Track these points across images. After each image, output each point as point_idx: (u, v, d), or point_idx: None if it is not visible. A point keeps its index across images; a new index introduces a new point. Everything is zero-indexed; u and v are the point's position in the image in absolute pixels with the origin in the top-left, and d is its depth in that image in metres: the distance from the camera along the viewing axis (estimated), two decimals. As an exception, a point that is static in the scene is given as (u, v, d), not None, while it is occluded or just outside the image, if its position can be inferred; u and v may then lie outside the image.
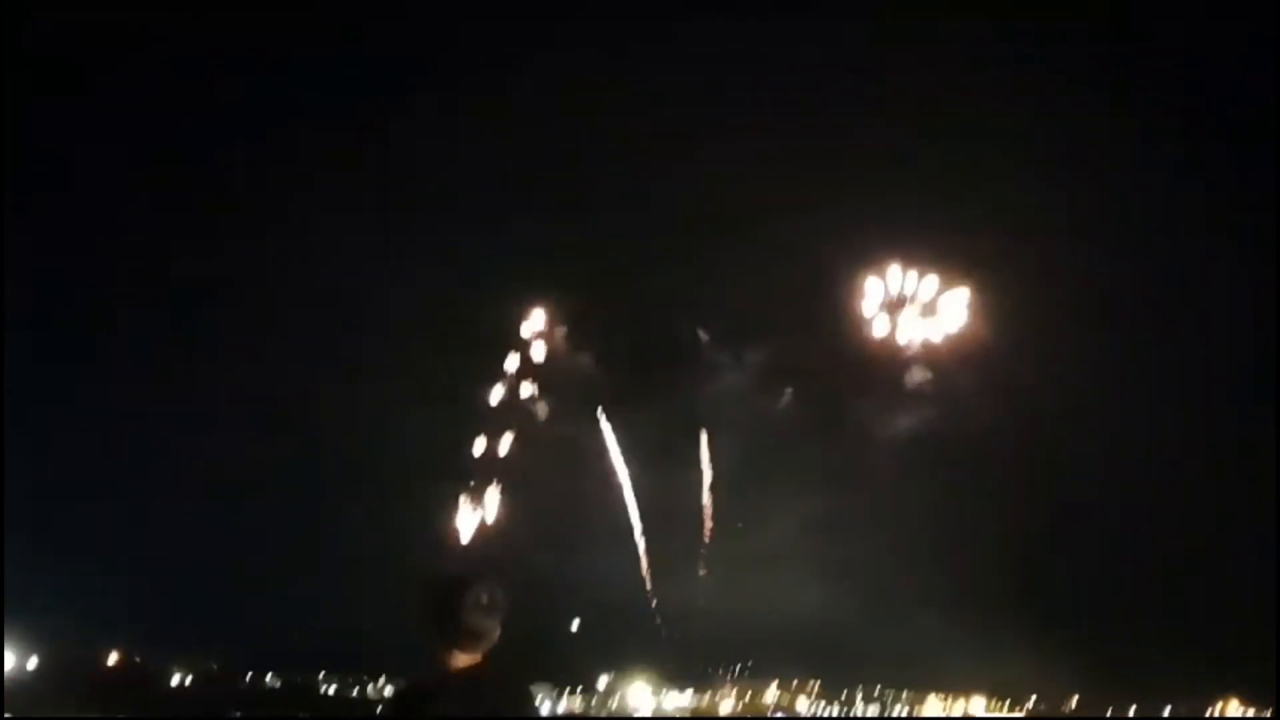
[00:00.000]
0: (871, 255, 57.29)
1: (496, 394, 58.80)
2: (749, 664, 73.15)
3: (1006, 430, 63.61)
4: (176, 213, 66.08)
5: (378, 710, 76.74)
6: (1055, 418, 65.32)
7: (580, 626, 56.11)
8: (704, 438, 59.87)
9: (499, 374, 59.19)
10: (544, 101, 62.58)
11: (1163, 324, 61.98)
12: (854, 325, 59.45)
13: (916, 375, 61.02)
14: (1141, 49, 58.32)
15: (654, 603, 55.33)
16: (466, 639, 2.84)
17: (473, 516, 58.45)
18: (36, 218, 61.14)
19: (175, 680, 70.94)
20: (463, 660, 2.95)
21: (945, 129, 60.85)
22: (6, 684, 54.21)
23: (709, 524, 59.35)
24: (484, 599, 2.84)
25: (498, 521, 57.60)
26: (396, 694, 3.21)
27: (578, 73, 58.88)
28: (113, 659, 65.84)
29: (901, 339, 58.00)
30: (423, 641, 3.01)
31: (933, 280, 57.28)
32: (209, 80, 60.26)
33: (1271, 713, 65.93)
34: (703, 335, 60.46)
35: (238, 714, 66.30)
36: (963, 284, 57.36)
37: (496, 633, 2.98)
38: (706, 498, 58.90)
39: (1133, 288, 62.21)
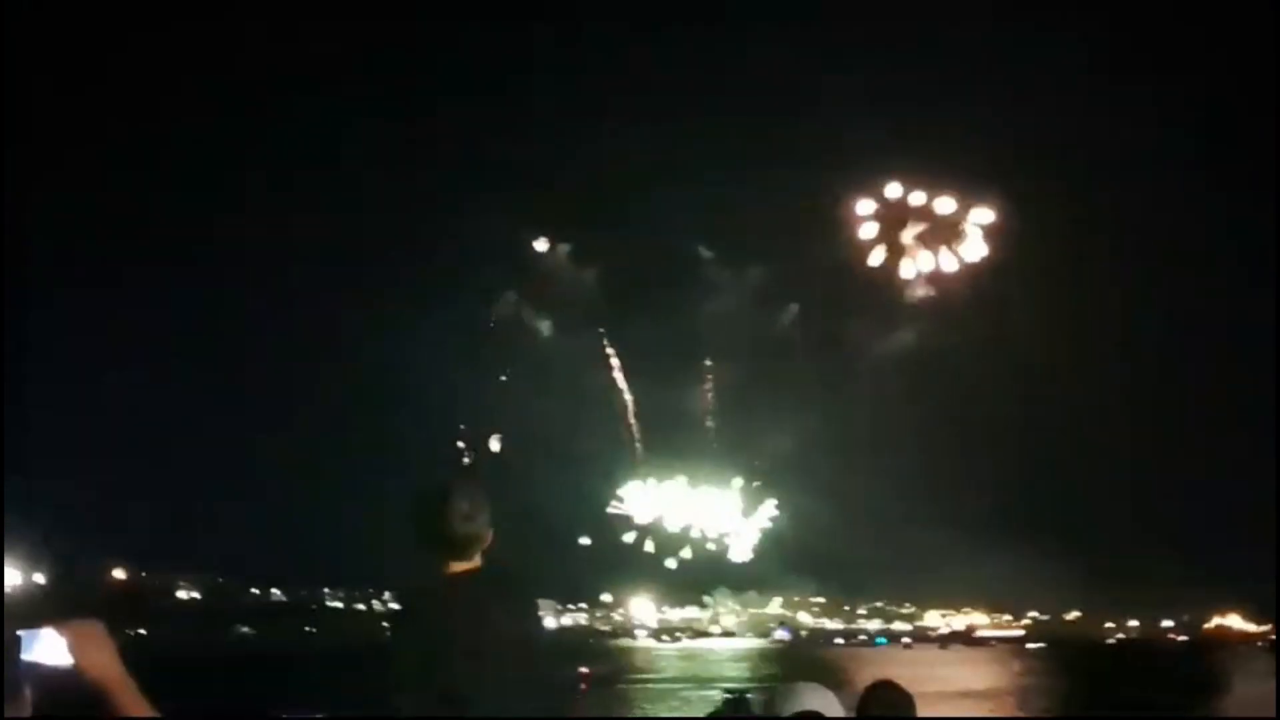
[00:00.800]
0: (874, 173, 57.14)
1: (503, 309, 58.69)
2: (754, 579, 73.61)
3: (1005, 349, 63.50)
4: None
5: (382, 622, 77.48)
6: (1053, 336, 65.22)
7: (589, 544, 56.11)
8: (705, 356, 59.74)
9: (502, 291, 59.03)
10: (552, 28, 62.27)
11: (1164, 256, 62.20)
12: (853, 246, 59.09)
13: (915, 294, 60.38)
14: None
15: (658, 521, 55.14)
16: (454, 547, 2.76)
17: (478, 434, 58.40)
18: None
19: (182, 594, 71.54)
20: (458, 568, 2.86)
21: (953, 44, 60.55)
22: (12, 598, 54.51)
23: (711, 440, 59.27)
24: (465, 506, 2.76)
25: (503, 440, 57.51)
26: (397, 598, 3.11)
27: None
28: (119, 574, 66.31)
29: (904, 265, 57.59)
30: (417, 553, 2.91)
31: (947, 201, 56.58)
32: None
33: (1272, 626, 66.29)
34: (704, 253, 60.15)
35: (244, 628, 66.91)
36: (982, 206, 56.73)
37: (486, 538, 2.88)
38: (708, 415, 58.79)
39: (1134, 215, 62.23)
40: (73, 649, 1.91)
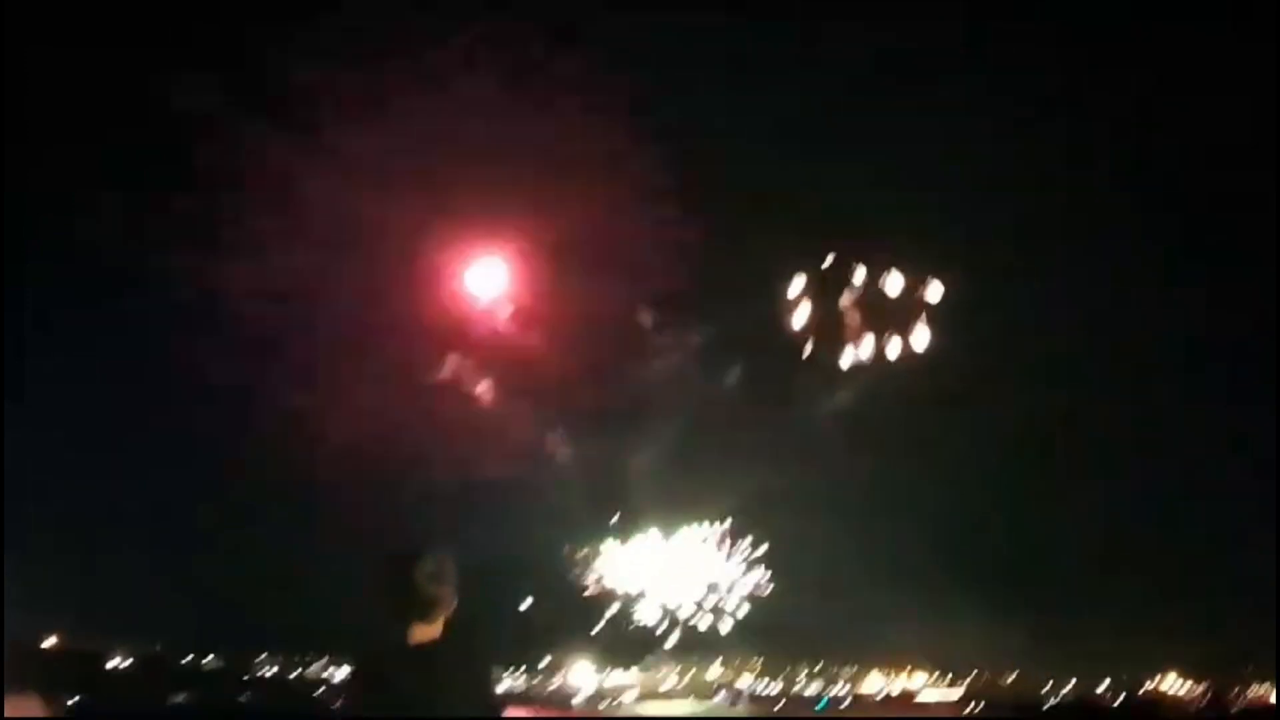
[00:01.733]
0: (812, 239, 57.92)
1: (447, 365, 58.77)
2: (693, 639, 73.40)
3: (946, 407, 64.29)
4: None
5: (317, 690, 76.58)
6: (997, 390, 66.10)
7: (529, 607, 56.09)
8: (644, 416, 59.94)
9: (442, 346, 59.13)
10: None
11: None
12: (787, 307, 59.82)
13: (851, 356, 61.19)
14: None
15: (595, 582, 55.27)
16: (420, 609, 2.81)
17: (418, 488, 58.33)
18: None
19: (113, 663, 70.38)
20: (420, 632, 2.89)
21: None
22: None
23: (647, 503, 59.44)
24: (432, 568, 2.81)
25: (441, 495, 57.44)
26: (356, 666, 3.13)
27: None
28: (50, 642, 65.18)
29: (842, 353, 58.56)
30: (379, 615, 2.94)
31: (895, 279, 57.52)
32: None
33: (1206, 687, 66.96)
34: (645, 317, 60.46)
35: (179, 697, 65.86)
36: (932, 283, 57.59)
37: (451, 603, 2.93)
38: (646, 477, 58.97)
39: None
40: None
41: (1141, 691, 76.35)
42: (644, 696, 78.13)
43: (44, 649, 64.44)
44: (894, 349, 54.50)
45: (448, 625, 2.99)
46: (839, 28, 60.02)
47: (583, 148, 63.60)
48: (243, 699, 69.03)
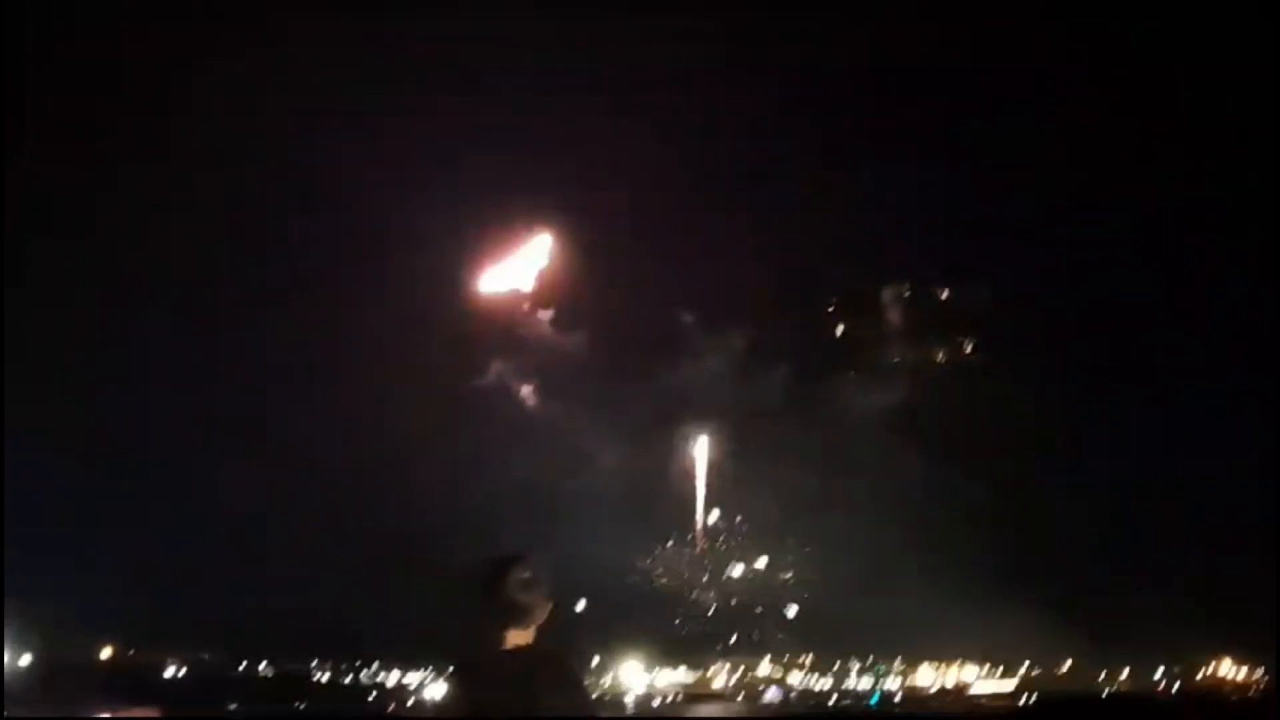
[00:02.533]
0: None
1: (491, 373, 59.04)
2: (752, 636, 73.29)
3: (990, 403, 64.24)
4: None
5: (370, 695, 76.93)
6: (1037, 388, 66.02)
7: (585, 607, 56.11)
8: (690, 421, 59.93)
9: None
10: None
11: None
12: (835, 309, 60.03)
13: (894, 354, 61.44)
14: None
15: (653, 582, 55.24)
16: (513, 616, 2.83)
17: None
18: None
19: (169, 672, 70.87)
20: (513, 639, 2.93)
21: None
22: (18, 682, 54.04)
23: (702, 502, 59.36)
24: (526, 575, 2.84)
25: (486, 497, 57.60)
26: (451, 673, 3.18)
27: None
28: (106, 653, 65.69)
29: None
30: (473, 623, 2.98)
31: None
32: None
33: (1265, 670, 66.23)
34: (688, 319, 60.53)
35: (233, 705, 66.13)
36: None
37: (545, 610, 2.96)
38: (699, 476, 58.91)
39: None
40: None
41: (1199, 677, 75.72)
42: (694, 696, 78.05)
43: (101, 660, 65.04)
44: (940, 354, 54.57)
45: (540, 631, 3.02)
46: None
47: (630, 147, 63.91)
48: (300, 705, 69.35)
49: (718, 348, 58.35)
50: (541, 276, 58.15)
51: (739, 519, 54.93)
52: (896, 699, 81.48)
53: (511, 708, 2.92)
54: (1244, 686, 70.51)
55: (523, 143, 63.10)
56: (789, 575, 54.04)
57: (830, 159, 64.15)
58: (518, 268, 58.52)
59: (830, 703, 77.97)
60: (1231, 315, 65.26)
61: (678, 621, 54.67)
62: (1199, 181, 61.12)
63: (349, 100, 61.68)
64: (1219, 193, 60.81)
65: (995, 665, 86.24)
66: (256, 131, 59.61)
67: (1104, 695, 73.79)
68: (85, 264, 61.60)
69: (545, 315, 58.39)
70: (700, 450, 58.15)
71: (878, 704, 78.60)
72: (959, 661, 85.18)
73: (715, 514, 55.18)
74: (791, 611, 52.63)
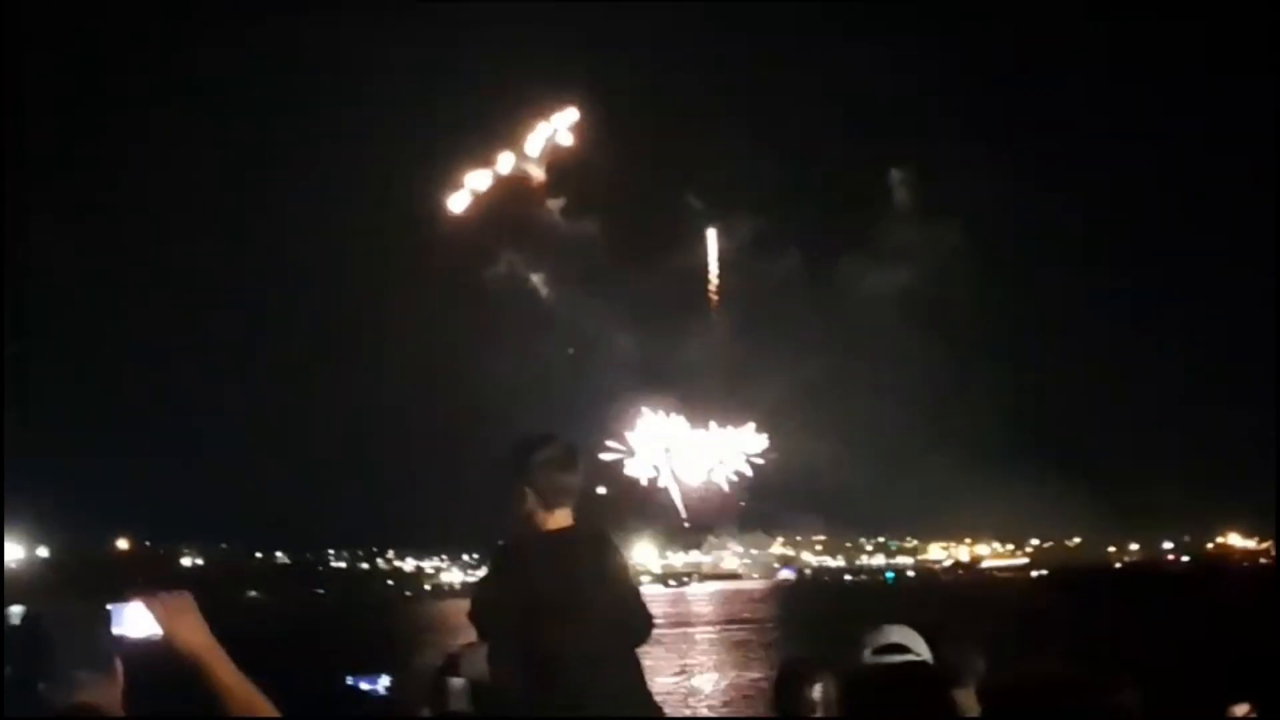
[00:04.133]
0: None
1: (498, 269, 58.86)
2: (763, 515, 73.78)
3: (998, 284, 64.23)
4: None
5: (388, 581, 77.95)
6: (1051, 272, 66.08)
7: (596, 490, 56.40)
8: (706, 302, 59.73)
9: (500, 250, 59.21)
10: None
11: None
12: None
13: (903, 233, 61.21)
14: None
15: (659, 465, 55.32)
16: (545, 496, 2.70)
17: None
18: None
19: (186, 562, 71.63)
20: (552, 521, 2.79)
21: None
22: (17, 574, 54.51)
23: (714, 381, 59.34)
24: (559, 453, 2.71)
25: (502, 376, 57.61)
26: (494, 555, 3.04)
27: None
28: (123, 544, 66.30)
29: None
30: (511, 505, 2.83)
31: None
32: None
33: (1273, 543, 66.65)
34: (696, 203, 60.12)
35: (252, 592, 66.93)
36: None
37: (575, 489, 2.83)
38: (712, 356, 58.87)
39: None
40: (163, 620, 1.85)
41: (1210, 547, 76.42)
42: (708, 577, 78.91)
43: (119, 550, 65.66)
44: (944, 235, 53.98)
45: (579, 513, 2.90)
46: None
47: (643, 32, 63.07)
48: (318, 590, 70.23)
49: (729, 231, 57.91)
50: (554, 161, 57.53)
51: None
52: (910, 574, 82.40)
53: (555, 588, 2.74)
54: (1253, 555, 71.07)
55: (538, 23, 62.26)
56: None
57: (840, 40, 63.69)
58: (531, 152, 57.89)
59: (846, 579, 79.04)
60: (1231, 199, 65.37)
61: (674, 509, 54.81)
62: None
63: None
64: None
65: (1005, 542, 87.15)
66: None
67: (1117, 566, 74.78)
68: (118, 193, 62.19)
69: (556, 204, 57.88)
70: (714, 327, 57.87)
71: (893, 580, 79.44)
72: (968, 540, 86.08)
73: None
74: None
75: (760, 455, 53.62)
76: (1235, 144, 65.05)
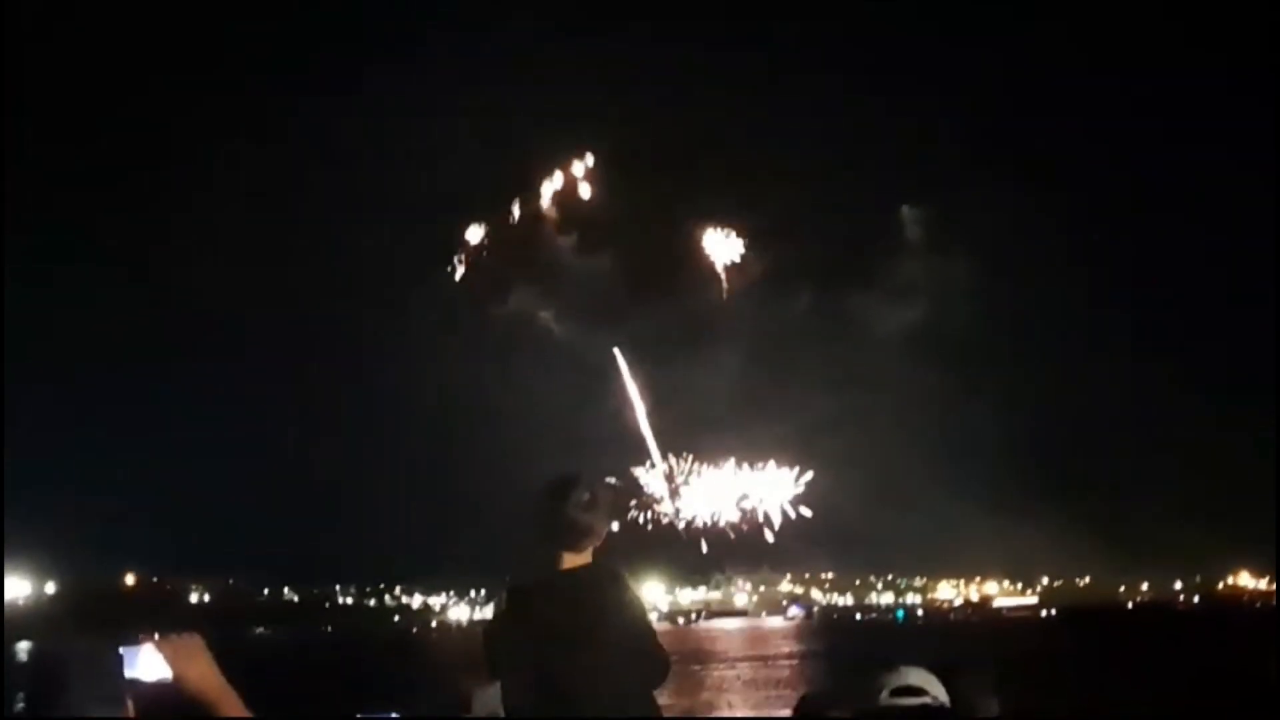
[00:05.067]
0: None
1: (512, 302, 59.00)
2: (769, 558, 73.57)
3: (1007, 321, 64.40)
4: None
5: (395, 618, 77.78)
6: (1054, 308, 66.11)
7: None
8: (719, 340, 59.80)
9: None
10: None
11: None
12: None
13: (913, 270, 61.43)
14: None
15: (673, 504, 55.21)
16: (572, 537, 2.72)
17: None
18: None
19: (194, 598, 71.54)
20: (569, 561, 2.80)
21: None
22: (24, 610, 54.50)
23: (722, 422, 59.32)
24: (585, 496, 2.74)
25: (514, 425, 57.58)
26: (507, 592, 3.05)
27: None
28: (130, 580, 66.27)
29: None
30: (534, 544, 2.85)
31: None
32: None
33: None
34: (720, 235, 60.24)
35: (260, 628, 66.83)
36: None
37: (600, 533, 2.85)
38: (720, 396, 58.81)
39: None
40: (172, 662, 1.84)
41: (1221, 587, 76.09)
42: (715, 614, 78.71)
43: (126, 586, 65.62)
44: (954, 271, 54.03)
45: (597, 553, 2.92)
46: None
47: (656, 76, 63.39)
48: (326, 628, 70.07)
49: (743, 268, 58.01)
50: (565, 200, 57.61)
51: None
52: (919, 614, 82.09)
53: (570, 626, 2.76)
54: (1265, 596, 70.73)
55: (554, 70, 62.82)
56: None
57: (848, 88, 64.33)
58: (544, 194, 58.01)
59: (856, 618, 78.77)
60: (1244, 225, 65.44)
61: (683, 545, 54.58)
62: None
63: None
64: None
65: (1015, 580, 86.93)
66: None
67: (1129, 606, 74.46)
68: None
69: (568, 240, 57.92)
70: (725, 362, 57.81)
71: (903, 619, 79.16)
72: (978, 578, 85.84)
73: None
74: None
75: (793, 500, 53.21)
76: (1258, 185, 65.06)
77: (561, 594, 2.84)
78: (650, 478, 54.03)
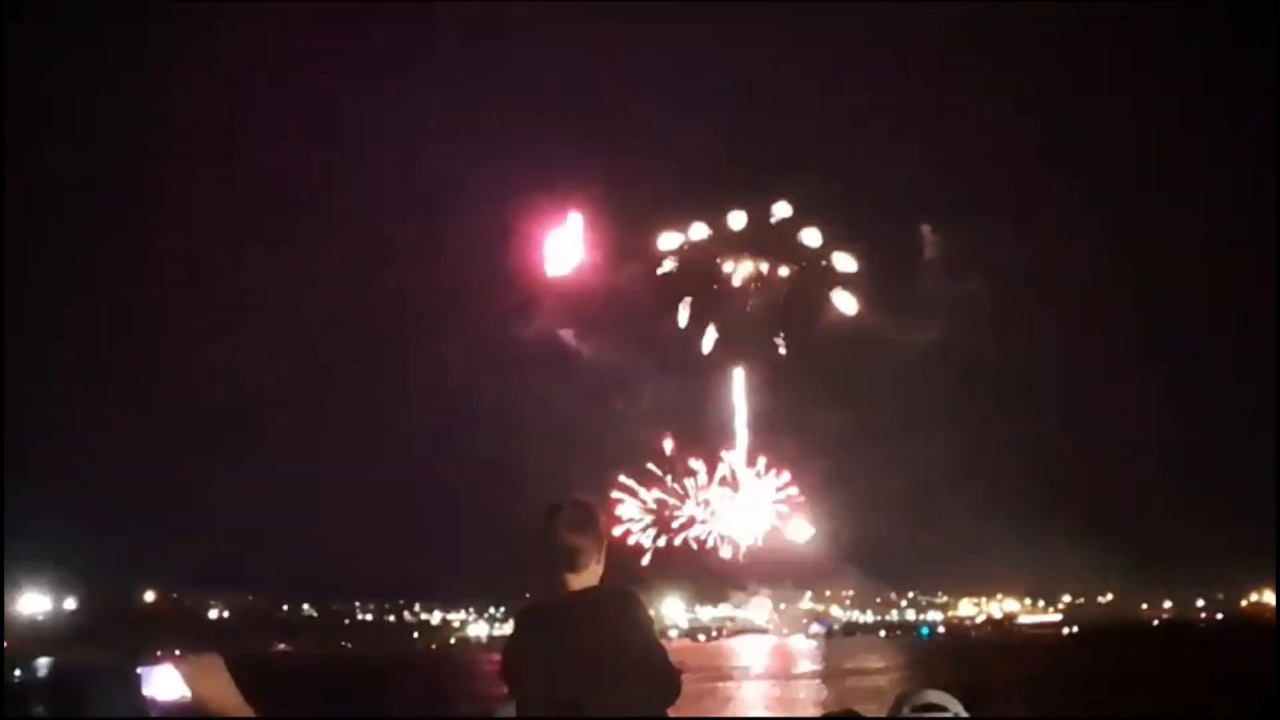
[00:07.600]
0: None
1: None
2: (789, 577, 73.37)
3: (1031, 338, 64.20)
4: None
5: (414, 634, 77.80)
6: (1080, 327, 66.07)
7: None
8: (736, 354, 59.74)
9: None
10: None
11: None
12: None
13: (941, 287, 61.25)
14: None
15: (699, 520, 54.99)
16: (564, 557, 2.77)
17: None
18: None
19: (213, 614, 71.64)
20: (575, 583, 2.84)
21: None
22: (44, 625, 54.65)
23: (745, 442, 59.19)
24: (574, 515, 2.79)
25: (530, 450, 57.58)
26: (516, 614, 3.09)
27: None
28: (150, 596, 66.40)
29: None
30: (540, 570, 2.89)
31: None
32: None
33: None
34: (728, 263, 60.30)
35: (280, 644, 66.94)
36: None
37: (594, 553, 2.88)
38: (743, 415, 58.70)
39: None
40: (191, 681, 1.83)
41: (1244, 604, 75.64)
42: (736, 632, 78.55)
43: (146, 603, 65.74)
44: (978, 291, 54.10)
45: (606, 573, 2.98)
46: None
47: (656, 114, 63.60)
48: (344, 643, 70.18)
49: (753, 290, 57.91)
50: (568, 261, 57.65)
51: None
52: (940, 630, 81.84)
53: (581, 646, 2.79)
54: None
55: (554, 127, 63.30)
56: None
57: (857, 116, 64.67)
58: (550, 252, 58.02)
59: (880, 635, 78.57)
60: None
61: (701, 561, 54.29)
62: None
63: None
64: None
65: (1036, 598, 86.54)
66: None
67: (1153, 624, 74.16)
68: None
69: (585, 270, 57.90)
70: (739, 386, 57.73)
71: (928, 634, 78.92)
72: (999, 596, 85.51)
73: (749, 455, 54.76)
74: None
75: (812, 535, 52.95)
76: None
77: (574, 614, 2.87)
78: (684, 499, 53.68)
